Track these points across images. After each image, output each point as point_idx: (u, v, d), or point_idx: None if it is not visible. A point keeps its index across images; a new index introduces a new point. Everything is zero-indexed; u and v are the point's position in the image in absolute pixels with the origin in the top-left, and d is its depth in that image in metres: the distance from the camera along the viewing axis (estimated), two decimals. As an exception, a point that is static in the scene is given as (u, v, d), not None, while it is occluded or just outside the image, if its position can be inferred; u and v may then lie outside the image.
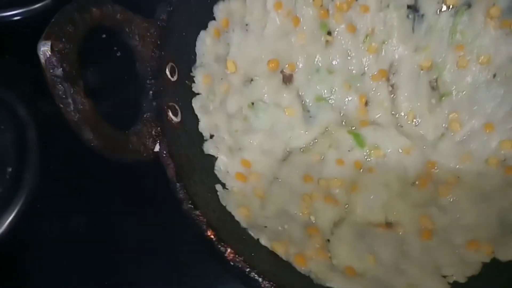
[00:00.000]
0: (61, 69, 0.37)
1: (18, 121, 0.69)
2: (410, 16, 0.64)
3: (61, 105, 0.37)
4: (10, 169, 0.66)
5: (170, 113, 0.48)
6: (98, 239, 0.64)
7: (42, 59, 0.36)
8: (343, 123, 0.63)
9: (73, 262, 0.63)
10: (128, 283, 0.62)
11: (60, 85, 0.37)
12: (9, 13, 0.75)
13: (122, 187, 0.64)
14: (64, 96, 0.37)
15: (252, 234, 0.49)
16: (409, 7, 0.64)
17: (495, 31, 0.60)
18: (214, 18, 0.58)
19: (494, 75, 0.61)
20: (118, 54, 0.72)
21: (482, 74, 0.61)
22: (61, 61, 0.37)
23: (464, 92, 0.62)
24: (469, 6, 0.62)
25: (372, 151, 0.60)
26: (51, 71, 0.37)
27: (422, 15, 0.64)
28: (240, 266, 0.42)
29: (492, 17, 0.60)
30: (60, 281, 0.62)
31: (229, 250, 0.43)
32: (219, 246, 0.43)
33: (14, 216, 0.64)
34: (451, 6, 0.63)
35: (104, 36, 0.74)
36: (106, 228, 0.64)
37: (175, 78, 0.51)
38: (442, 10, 0.63)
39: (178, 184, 0.44)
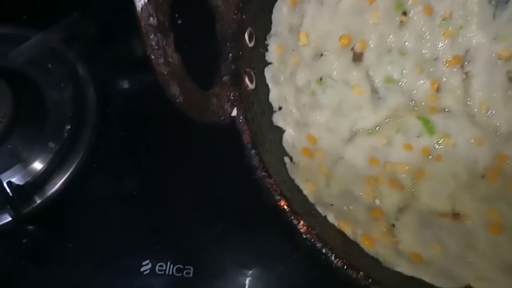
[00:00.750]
0: (156, 19, 0.36)
1: (78, 79, 0.70)
2: (492, 1, 0.61)
3: (153, 56, 0.36)
4: (68, 127, 0.66)
5: (246, 79, 0.47)
6: (150, 202, 0.64)
7: (138, 7, 0.35)
8: (413, 107, 0.61)
9: (123, 224, 0.63)
10: (175, 249, 0.61)
11: (153, 35, 0.36)
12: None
13: (178, 151, 0.64)
14: (156, 47, 0.36)
15: (319, 210, 0.48)
16: (492, -9, 0.61)
17: None
18: (291, -13, 0.56)
19: None
20: (179, 21, 0.71)
21: None
22: (156, 10, 0.36)
23: (544, 87, 0.59)
24: (560, -6, 0.58)
25: (442, 139, 0.58)
26: (146, 20, 0.35)
27: (507, 2, 0.60)
28: (312, 240, 0.41)
29: None
30: (108, 241, 0.62)
31: (302, 222, 0.41)
32: (292, 218, 0.41)
33: (70, 174, 0.65)
34: (540, -6, 0.59)
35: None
36: (159, 192, 0.64)
37: (252, 44, 0.50)
38: (530, -3, 0.60)
39: (253, 150, 0.43)
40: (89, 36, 0.71)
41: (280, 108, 0.54)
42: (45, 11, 0.73)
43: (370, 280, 0.40)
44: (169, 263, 0.60)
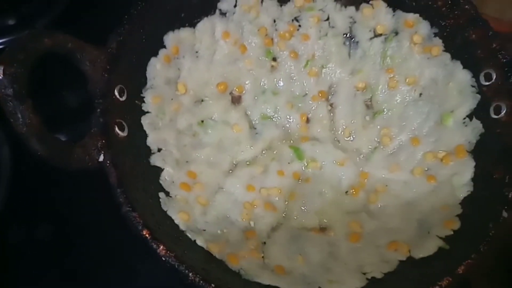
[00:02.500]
0: (11, 89, 0.44)
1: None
2: (346, 43, 0.71)
3: (11, 120, 0.44)
4: (-17, 184, 0.71)
5: (116, 128, 0.54)
6: (62, 247, 0.69)
7: (-5, 80, 0.43)
8: (286, 139, 0.69)
9: (38, 269, 0.68)
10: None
11: (10, 103, 0.44)
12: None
13: (87, 199, 0.70)
14: (13, 112, 0.44)
15: (189, 235, 0.54)
16: (345, 35, 0.71)
17: (419, 55, 0.67)
18: (164, 46, 0.65)
19: (420, 94, 0.68)
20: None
21: (410, 93, 0.68)
22: (11, 82, 0.44)
23: (394, 110, 0.69)
24: (396, 33, 0.69)
25: (310, 163, 0.67)
26: (2, 90, 0.43)
27: (357, 42, 0.71)
28: (170, 261, 0.47)
29: (416, 43, 0.67)
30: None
31: (161, 247, 0.48)
32: (152, 244, 0.48)
33: (-14, 227, 0.70)
34: (381, 34, 0.70)
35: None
36: (70, 238, 0.69)
37: (123, 98, 0.57)
38: (374, 37, 0.70)
39: (118, 189, 0.50)
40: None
41: (159, 150, 0.62)
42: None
43: (221, 291, 0.46)
44: (82, 304, 0.65)
